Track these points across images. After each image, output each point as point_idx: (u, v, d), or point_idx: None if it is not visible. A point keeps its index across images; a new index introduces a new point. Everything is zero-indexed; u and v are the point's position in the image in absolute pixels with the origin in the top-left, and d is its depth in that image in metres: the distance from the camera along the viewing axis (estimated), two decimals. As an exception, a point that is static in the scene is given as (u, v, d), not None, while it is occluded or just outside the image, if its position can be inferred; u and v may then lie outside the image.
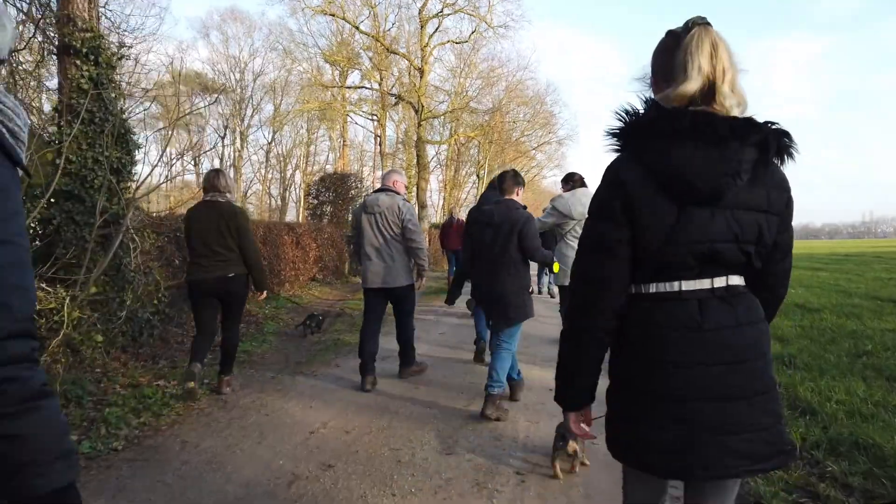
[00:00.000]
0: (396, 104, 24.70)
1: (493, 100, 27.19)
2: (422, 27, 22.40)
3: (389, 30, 23.18)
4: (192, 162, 37.41)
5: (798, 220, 1.68)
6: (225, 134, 35.07)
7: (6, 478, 0.87)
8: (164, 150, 6.38)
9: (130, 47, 6.47)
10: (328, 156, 36.46)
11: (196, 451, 3.37)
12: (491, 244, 4.12)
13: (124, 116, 6.43)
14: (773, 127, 1.31)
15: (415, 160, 23.20)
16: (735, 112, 1.29)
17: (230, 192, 4.62)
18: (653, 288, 1.35)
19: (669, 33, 1.39)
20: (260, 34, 34.09)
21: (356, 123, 31.38)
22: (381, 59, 23.30)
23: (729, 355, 1.28)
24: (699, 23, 1.32)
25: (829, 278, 14.64)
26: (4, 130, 0.95)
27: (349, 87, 26.72)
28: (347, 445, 3.50)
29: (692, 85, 1.27)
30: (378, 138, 28.91)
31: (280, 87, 31.64)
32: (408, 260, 4.97)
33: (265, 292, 4.86)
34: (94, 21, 6.22)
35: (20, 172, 0.98)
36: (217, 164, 34.84)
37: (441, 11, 22.34)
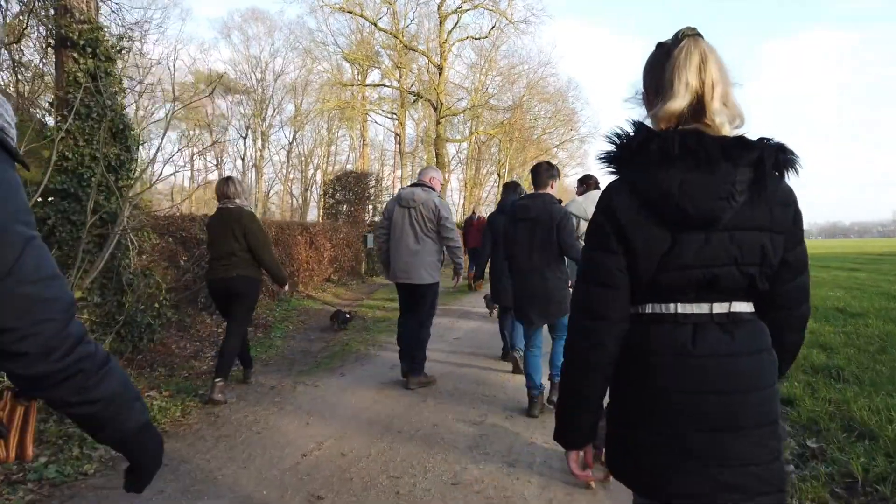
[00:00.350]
0: (415, 102, 24.39)
1: (514, 97, 26.72)
2: (440, 23, 22.03)
3: (408, 27, 22.88)
4: (215, 163, 37.81)
5: (826, 218, 1.59)
6: (247, 134, 35.22)
7: (104, 427, 1.04)
8: (158, 147, 6.07)
9: (131, 39, 6.19)
10: (348, 155, 36.38)
11: (174, 477, 3.03)
12: (528, 240, 4.04)
13: (124, 111, 6.16)
14: (768, 143, 1.23)
15: (434, 159, 22.82)
16: (727, 129, 1.23)
17: (239, 198, 4.75)
18: (648, 308, 1.30)
19: (659, 46, 1.34)
20: (280, 34, 34.09)
21: (376, 122, 31.27)
22: (400, 56, 23.02)
23: (722, 384, 1.22)
24: (689, 34, 1.27)
25: (867, 279, 13.88)
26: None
27: (368, 85, 26.50)
28: (342, 471, 3.13)
29: (678, 102, 1.22)
30: (398, 137, 28.66)
31: (301, 86, 31.64)
32: (436, 258, 4.92)
33: (286, 286, 5.01)
34: (92, 12, 5.96)
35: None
36: (239, 165, 35.13)
37: (460, 7, 21.94)
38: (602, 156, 1.34)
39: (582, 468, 1.41)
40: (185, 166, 30.87)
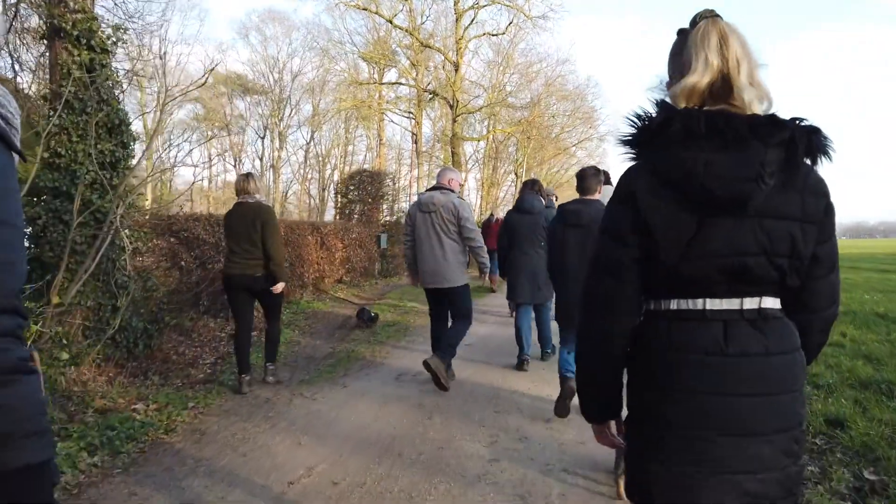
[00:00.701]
0: (431, 100, 24.00)
1: (532, 95, 26.21)
2: (457, 20, 21.61)
3: (424, 23, 22.50)
4: (233, 163, 37.85)
5: (851, 217, 1.49)
6: (265, 135, 35.24)
7: None
8: (150, 142, 5.78)
9: (126, 30, 5.90)
10: (366, 155, 36.22)
11: (142, 509, 2.69)
12: (580, 247, 3.89)
13: (120, 105, 5.88)
14: (801, 124, 1.16)
15: (450, 158, 22.43)
16: (756, 108, 1.17)
17: (259, 193, 4.92)
18: (673, 304, 1.22)
19: (680, 32, 1.31)
20: (298, 34, 34.01)
21: (393, 122, 30.97)
22: (416, 55, 22.68)
23: (752, 386, 1.15)
24: (706, 16, 1.23)
25: (904, 283, 13.20)
26: None
27: (385, 84, 26.21)
28: (332, 504, 2.77)
29: (696, 77, 1.18)
30: (414, 136, 28.34)
31: (318, 86, 31.49)
32: (463, 259, 4.91)
33: (281, 285, 4.96)
34: (86, 2, 5.67)
35: (16, 157, 0.99)
36: (258, 165, 35.18)
37: (477, 2, 21.48)
38: (622, 138, 1.25)
39: (609, 440, 1.43)
40: (201, 166, 30.86)
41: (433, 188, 5.04)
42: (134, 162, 5.76)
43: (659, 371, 1.21)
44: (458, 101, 21.62)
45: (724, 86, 1.17)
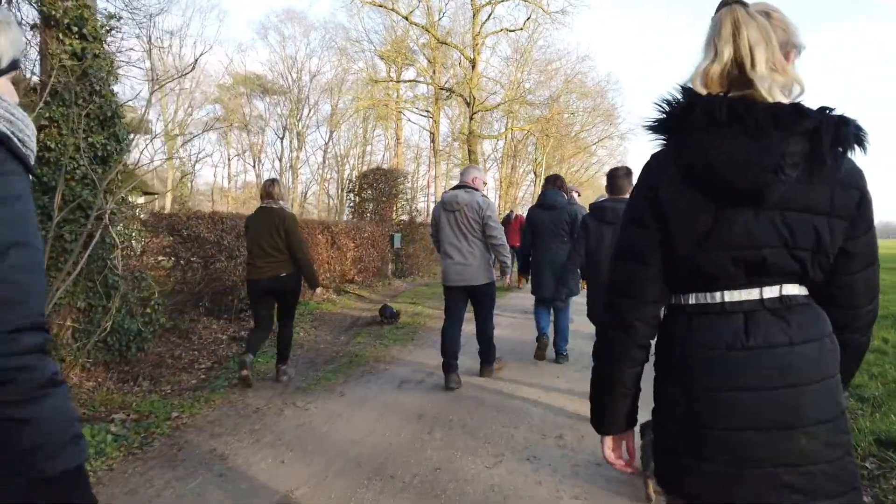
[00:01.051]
0: (448, 98, 23.65)
1: (551, 92, 25.73)
2: (474, 15, 21.23)
3: (441, 20, 22.17)
4: (252, 163, 37.99)
5: (878, 217, 1.35)
6: (284, 135, 35.32)
7: (19, 459, 0.94)
8: (141, 134, 5.52)
9: (120, 18, 5.65)
10: (384, 155, 36.13)
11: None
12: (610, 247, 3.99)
13: (115, 97, 5.63)
14: (829, 113, 1.10)
15: (467, 156, 22.05)
16: (780, 96, 1.11)
17: (283, 199, 5.01)
18: (692, 299, 1.20)
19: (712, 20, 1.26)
20: (316, 34, 34.07)
21: (410, 121, 30.81)
22: (433, 52, 22.37)
23: (781, 378, 1.11)
24: (728, 2, 1.19)
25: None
26: (16, 140, 1.02)
27: (402, 81, 25.98)
28: (307, 537, 2.42)
29: (704, 64, 1.17)
30: (432, 135, 28.06)
31: (336, 86, 31.43)
32: (488, 257, 4.91)
33: (318, 288, 5.26)
34: (77, -12, 5.41)
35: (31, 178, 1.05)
36: (277, 166, 35.29)
37: (495, -3, 21.09)
38: (649, 123, 1.22)
39: (621, 458, 1.35)
40: (203, 162, 30.89)
41: (457, 187, 5.03)
42: (138, 155, 5.49)
43: (682, 367, 1.18)
44: (474, 99, 21.24)
45: (741, 74, 1.14)
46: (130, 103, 6.11)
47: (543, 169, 30.39)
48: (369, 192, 14.68)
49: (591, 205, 4.49)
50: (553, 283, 5.46)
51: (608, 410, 1.31)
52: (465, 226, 4.80)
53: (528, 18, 21.74)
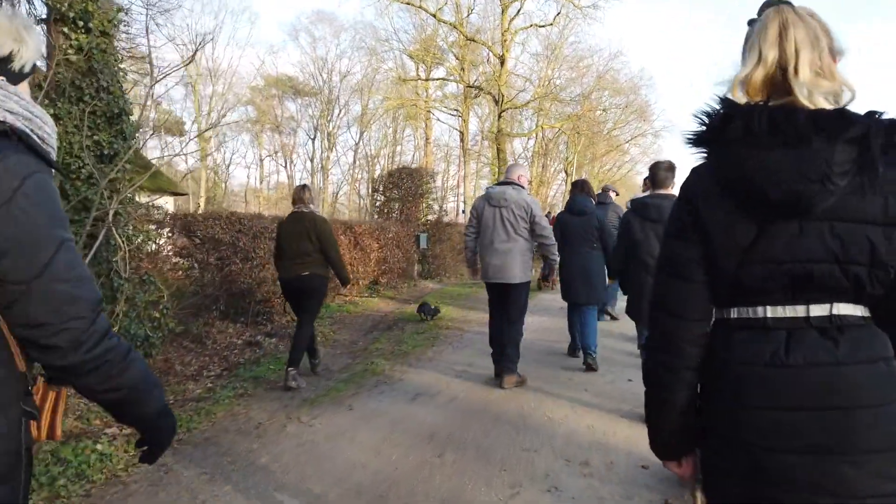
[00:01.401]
0: (476, 96, 23.26)
1: (582, 89, 25.12)
2: (503, 11, 20.78)
3: (469, 17, 21.79)
4: (284, 164, 38.30)
5: None
6: (315, 136, 35.55)
7: (128, 410, 1.17)
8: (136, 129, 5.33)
9: (127, 12, 5.46)
10: (413, 155, 36.03)
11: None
12: (660, 240, 3.52)
13: (124, 94, 5.45)
14: (878, 118, 1.05)
15: (495, 154, 21.63)
16: (823, 102, 1.06)
17: (313, 203, 5.20)
18: (734, 313, 1.15)
19: (749, 23, 1.22)
20: (346, 35, 34.14)
21: (440, 121, 30.57)
22: (462, 50, 22.02)
23: (824, 399, 1.04)
24: (772, 3, 1.16)
25: None
26: (36, 137, 1.06)
27: (431, 80, 25.74)
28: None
29: (745, 72, 1.13)
30: (461, 135, 27.75)
31: (366, 86, 31.40)
32: (529, 256, 4.95)
33: (348, 285, 5.62)
34: (85, -18, 5.23)
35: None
36: (308, 167, 35.54)
37: (524, -8, 20.62)
38: (688, 137, 1.19)
39: (686, 476, 1.30)
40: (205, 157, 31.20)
41: (503, 183, 5.03)
42: (131, 154, 5.29)
43: (723, 384, 1.14)
44: (503, 96, 20.81)
45: (784, 79, 1.09)
46: (166, 104, 5.92)
47: (575, 168, 29.79)
48: (395, 191, 14.41)
49: (632, 201, 4.36)
50: (584, 287, 5.52)
51: (664, 434, 1.26)
52: (510, 223, 4.80)
53: (559, 14, 21.21)
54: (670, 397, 1.21)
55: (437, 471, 3.14)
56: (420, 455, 3.35)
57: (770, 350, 1.08)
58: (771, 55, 1.10)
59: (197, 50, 5.18)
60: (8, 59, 1.08)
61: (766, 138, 1.05)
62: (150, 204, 6.83)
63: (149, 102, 5.63)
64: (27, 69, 1.12)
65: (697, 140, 1.18)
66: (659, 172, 4.12)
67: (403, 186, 14.23)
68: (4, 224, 0.96)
